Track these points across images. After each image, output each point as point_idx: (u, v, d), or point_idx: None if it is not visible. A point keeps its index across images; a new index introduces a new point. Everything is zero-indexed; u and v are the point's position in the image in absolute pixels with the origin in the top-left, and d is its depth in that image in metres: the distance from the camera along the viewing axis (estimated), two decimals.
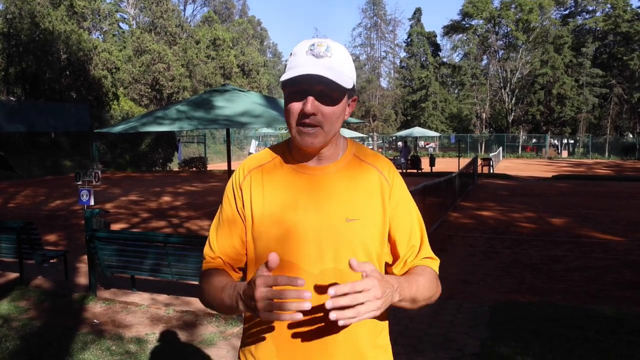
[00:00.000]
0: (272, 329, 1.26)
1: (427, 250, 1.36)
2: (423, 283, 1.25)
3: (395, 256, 1.34)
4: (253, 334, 1.31)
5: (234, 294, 1.15)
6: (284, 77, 1.19)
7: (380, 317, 1.32)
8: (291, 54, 1.24)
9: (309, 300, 1.02)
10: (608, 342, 3.92)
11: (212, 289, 1.26)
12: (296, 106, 1.20)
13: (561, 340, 3.97)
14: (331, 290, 1.03)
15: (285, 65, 1.27)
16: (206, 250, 1.36)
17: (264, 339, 1.27)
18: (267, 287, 1.03)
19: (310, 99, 1.18)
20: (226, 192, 1.37)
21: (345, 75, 1.20)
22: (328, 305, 1.03)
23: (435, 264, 1.36)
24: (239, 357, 1.37)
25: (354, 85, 1.26)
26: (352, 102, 1.29)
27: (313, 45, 1.21)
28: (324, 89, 1.19)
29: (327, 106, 1.20)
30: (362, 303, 1.03)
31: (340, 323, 1.04)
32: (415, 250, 1.34)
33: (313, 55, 1.19)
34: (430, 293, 1.28)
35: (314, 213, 1.25)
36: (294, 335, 1.23)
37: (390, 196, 1.31)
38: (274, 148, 1.39)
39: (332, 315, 1.02)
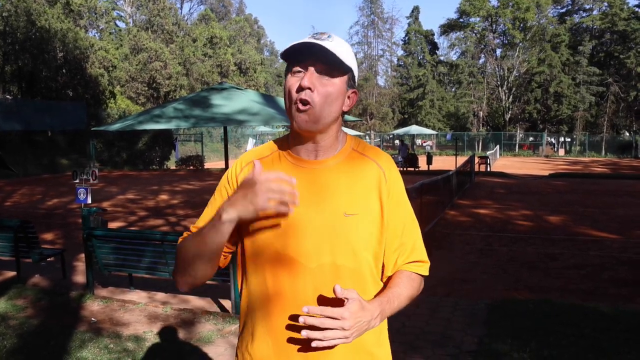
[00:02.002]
0: (269, 326, 1.26)
1: (420, 252, 1.36)
2: (405, 295, 1.29)
3: (386, 254, 1.34)
4: (250, 332, 1.30)
5: (214, 217, 1.16)
6: (283, 50, 1.21)
7: None
8: None
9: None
10: (604, 339, 3.95)
11: (187, 240, 1.25)
12: (293, 82, 1.22)
13: (558, 337, 3.99)
14: (304, 308, 1.11)
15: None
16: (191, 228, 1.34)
17: (260, 337, 1.27)
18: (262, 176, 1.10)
19: (310, 70, 1.20)
20: (221, 184, 1.35)
21: (344, 56, 1.22)
22: (301, 320, 1.11)
23: (423, 267, 1.36)
24: (236, 355, 1.37)
25: (354, 77, 1.28)
26: (352, 94, 1.29)
27: (317, 32, 1.25)
28: (324, 68, 1.21)
29: (325, 85, 1.21)
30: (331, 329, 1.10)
31: (313, 344, 1.11)
32: (406, 250, 1.33)
33: (314, 38, 1.21)
34: (409, 301, 1.32)
35: (313, 207, 1.25)
36: (291, 333, 1.23)
37: (388, 192, 1.31)
38: (273, 142, 1.39)
39: (304, 333, 1.10)
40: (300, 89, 1.19)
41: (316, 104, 1.20)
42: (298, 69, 1.22)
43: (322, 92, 1.21)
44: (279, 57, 1.25)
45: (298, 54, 1.20)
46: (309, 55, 1.20)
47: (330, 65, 1.20)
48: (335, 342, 1.11)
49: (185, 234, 1.34)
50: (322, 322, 1.10)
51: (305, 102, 1.20)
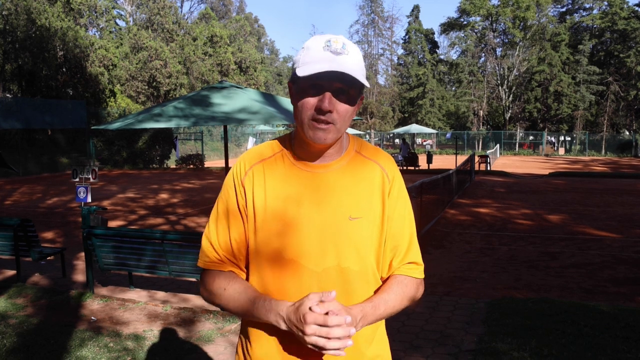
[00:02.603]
0: (272, 327, 1.25)
1: (414, 254, 1.35)
2: (393, 301, 1.28)
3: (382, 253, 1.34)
4: (250, 330, 1.30)
5: (271, 312, 1.19)
6: (304, 72, 1.16)
7: None
8: (303, 48, 1.23)
9: (351, 338, 1.12)
10: (604, 337, 3.95)
11: (235, 295, 1.26)
12: (311, 101, 1.19)
13: (557, 336, 3.99)
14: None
15: (293, 60, 1.26)
16: (206, 245, 1.32)
17: (263, 335, 1.27)
18: (317, 324, 1.11)
19: (328, 95, 1.18)
20: (226, 185, 1.34)
21: (361, 73, 1.21)
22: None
23: (417, 270, 1.35)
24: (236, 351, 1.37)
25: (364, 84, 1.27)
26: (360, 100, 1.28)
27: (329, 41, 1.20)
28: (342, 87, 1.19)
29: (343, 104, 1.20)
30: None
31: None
32: (401, 252, 1.33)
33: (331, 51, 1.19)
34: (401, 305, 1.31)
35: (317, 210, 1.25)
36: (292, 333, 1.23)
37: (389, 192, 1.31)
38: (275, 142, 1.37)
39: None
40: (321, 111, 1.18)
41: (337, 122, 1.20)
42: (315, 89, 1.19)
43: (342, 111, 1.20)
44: (295, 73, 1.21)
45: (317, 76, 1.17)
46: (328, 79, 1.17)
47: (348, 84, 1.19)
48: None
49: (211, 257, 1.32)
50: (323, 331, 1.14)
51: (326, 123, 1.19)
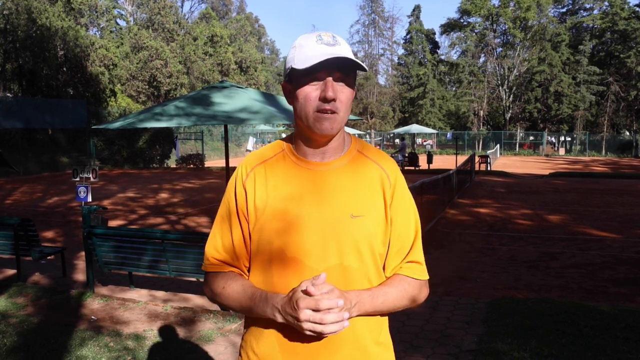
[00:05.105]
0: (273, 325, 1.25)
1: (416, 253, 1.35)
2: (394, 295, 1.28)
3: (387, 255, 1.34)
4: (254, 330, 1.31)
5: (267, 305, 1.21)
6: (305, 64, 1.19)
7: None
8: (294, 47, 1.25)
9: (347, 320, 1.14)
10: (604, 337, 3.95)
11: (233, 294, 1.28)
12: (314, 93, 1.21)
13: (557, 336, 3.99)
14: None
15: (286, 60, 1.27)
16: (209, 249, 1.35)
17: (265, 335, 1.27)
18: (310, 309, 1.11)
19: (330, 81, 1.20)
20: (229, 189, 1.36)
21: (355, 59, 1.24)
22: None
23: (419, 269, 1.35)
24: (239, 354, 1.37)
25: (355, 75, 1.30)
26: (355, 88, 1.31)
27: (319, 35, 1.24)
28: (340, 75, 1.22)
29: (344, 90, 1.23)
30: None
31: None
32: (404, 253, 1.33)
33: (324, 44, 1.22)
34: (401, 303, 1.31)
35: (318, 208, 1.25)
36: (296, 331, 1.23)
37: (392, 196, 1.31)
38: (276, 143, 1.38)
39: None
40: (326, 100, 1.20)
41: (340, 111, 1.22)
42: (316, 80, 1.21)
43: (344, 99, 1.23)
44: (293, 70, 1.25)
45: (316, 69, 1.19)
46: (327, 70, 1.20)
47: (346, 72, 1.22)
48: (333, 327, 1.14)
49: (212, 260, 1.34)
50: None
51: (332, 112, 1.21)
